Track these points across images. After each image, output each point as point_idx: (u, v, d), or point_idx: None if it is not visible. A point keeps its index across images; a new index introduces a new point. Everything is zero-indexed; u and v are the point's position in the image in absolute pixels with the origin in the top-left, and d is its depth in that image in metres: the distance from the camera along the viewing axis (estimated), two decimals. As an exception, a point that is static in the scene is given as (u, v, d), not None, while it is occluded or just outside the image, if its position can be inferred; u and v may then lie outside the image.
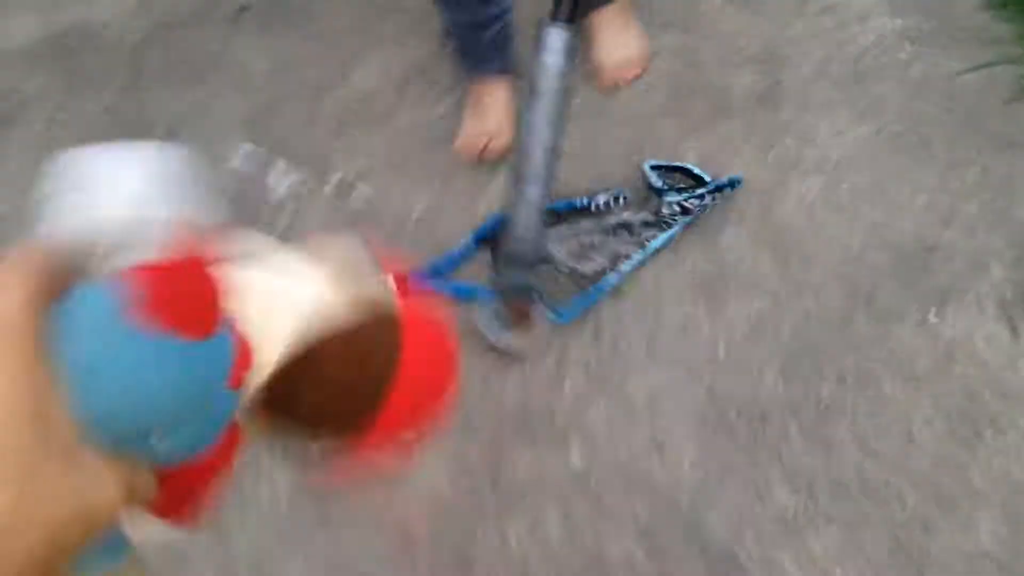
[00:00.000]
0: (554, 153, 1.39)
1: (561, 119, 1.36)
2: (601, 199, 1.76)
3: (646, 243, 1.70)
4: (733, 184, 1.76)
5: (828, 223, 1.77)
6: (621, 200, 1.76)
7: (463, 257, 1.77)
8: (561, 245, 1.72)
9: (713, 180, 1.76)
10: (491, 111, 1.91)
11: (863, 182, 1.82)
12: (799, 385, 1.60)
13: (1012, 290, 1.64)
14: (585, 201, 1.77)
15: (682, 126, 1.91)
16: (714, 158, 1.84)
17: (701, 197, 1.73)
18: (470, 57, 1.88)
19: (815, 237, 1.76)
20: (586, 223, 1.74)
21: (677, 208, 1.72)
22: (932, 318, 1.64)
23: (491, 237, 1.71)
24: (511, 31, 1.82)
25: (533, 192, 1.41)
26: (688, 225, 1.74)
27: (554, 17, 1.32)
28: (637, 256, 1.70)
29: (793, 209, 1.79)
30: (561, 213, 1.76)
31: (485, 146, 1.89)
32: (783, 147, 1.87)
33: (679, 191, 1.74)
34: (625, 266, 1.69)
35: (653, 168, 1.79)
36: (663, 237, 1.71)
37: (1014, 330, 1.61)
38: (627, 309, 1.70)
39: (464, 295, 1.69)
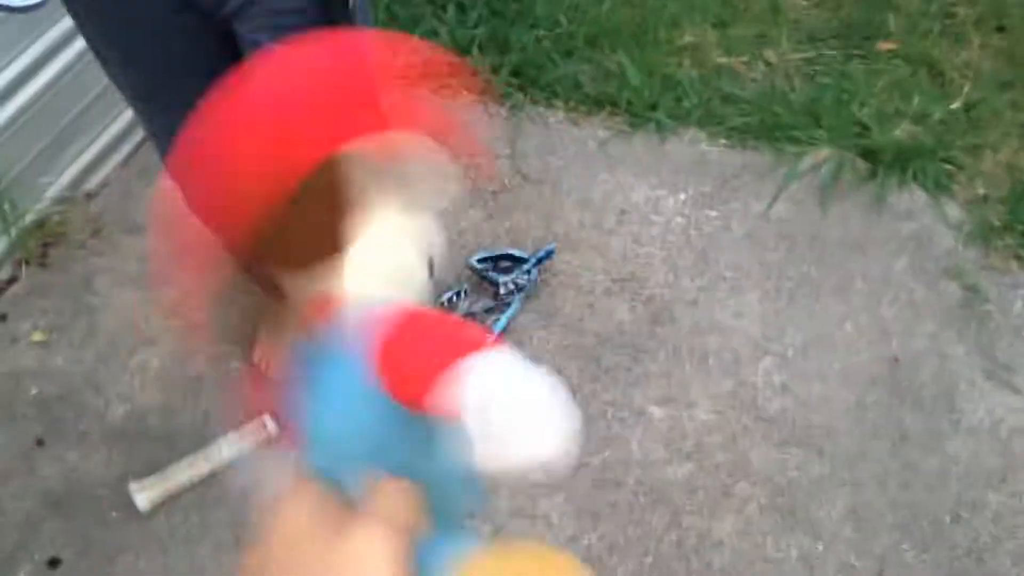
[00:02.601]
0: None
1: None
2: (444, 297, 1.98)
3: (492, 325, 1.93)
4: (550, 254, 2.03)
5: (810, 394, 1.80)
6: (463, 295, 1.99)
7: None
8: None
9: (532, 255, 2.02)
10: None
11: (801, 341, 1.88)
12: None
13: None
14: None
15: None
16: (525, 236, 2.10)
17: (528, 272, 1.99)
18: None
19: (807, 407, 1.77)
20: None
21: (512, 287, 1.97)
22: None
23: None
24: None
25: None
26: (526, 299, 1.99)
27: None
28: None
29: (767, 383, 1.79)
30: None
31: None
32: (711, 360, 1.87)
33: (507, 272, 1.99)
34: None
35: (480, 261, 2.02)
36: (505, 316, 1.95)
37: None
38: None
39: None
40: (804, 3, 2.58)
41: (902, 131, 2.24)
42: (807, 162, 2.21)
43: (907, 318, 1.93)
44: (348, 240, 0.65)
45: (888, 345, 1.89)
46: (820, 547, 1.62)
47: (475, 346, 0.57)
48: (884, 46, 2.47)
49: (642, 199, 2.15)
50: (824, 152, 2.22)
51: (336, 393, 0.63)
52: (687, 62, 2.47)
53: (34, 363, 1.94)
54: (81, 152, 2.22)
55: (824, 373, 1.85)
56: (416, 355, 0.59)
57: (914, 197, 2.14)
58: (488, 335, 0.61)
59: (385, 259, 0.68)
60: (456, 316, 1.93)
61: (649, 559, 1.62)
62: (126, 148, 2.33)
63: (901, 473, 1.70)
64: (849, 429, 1.77)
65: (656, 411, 1.81)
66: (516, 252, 2.03)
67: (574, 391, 1.85)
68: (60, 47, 2.08)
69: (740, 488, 1.70)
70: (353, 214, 0.64)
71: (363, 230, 0.65)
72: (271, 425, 1.76)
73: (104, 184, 2.27)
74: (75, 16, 1.38)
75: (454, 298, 1.98)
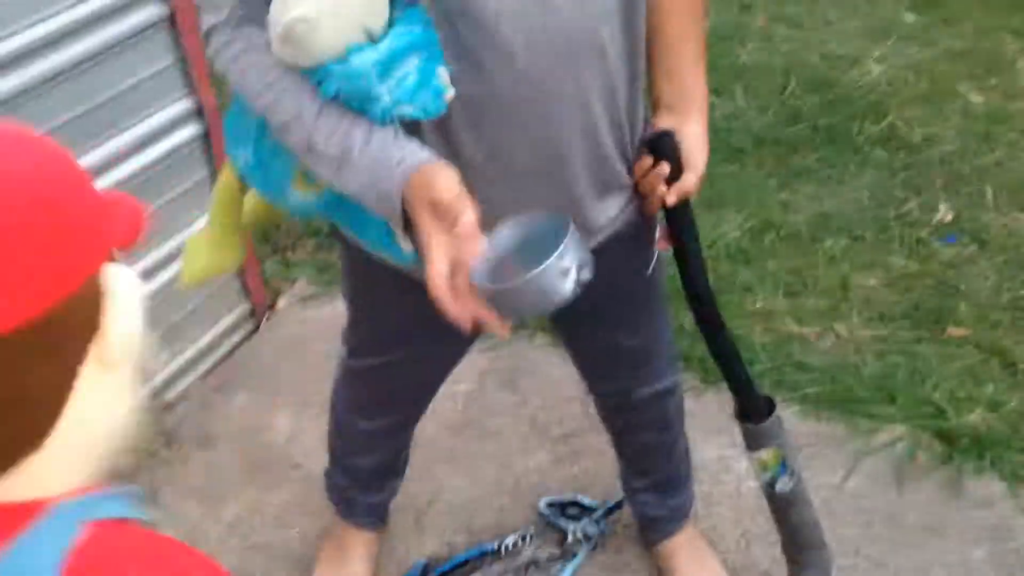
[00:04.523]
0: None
1: None
2: (509, 540, 1.96)
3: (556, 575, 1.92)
4: (619, 505, 1.98)
5: None
6: (528, 539, 1.97)
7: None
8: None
9: (601, 505, 2.00)
10: (352, 563, 1.88)
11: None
12: None
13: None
14: (494, 545, 1.96)
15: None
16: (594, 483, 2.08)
17: (596, 522, 1.97)
18: (345, 500, 1.87)
19: None
20: (496, 567, 1.94)
21: (580, 536, 1.95)
22: None
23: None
24: (398, 486, 1.91)
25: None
26: (592, 550, 1.96)
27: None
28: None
29: None
30: (472, 561, 1.94)
31: None
32: None
33: (575, 519, 1.98)
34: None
35: (548, 506, 2.02)
36: (571, 567, 1.92)
37: None
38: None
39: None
40: (873, 282, 2.66)
41: (977, 416, 2.23)
42: (881, 438, 2.20)
43: (990, 612, 1.85)
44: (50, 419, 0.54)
45: (971, 640, 1.79)
46: None
47: None
48: (954, 332, 2.51)
49: (712, 458, 2.13)
50: (898, 429, 2.22)
51: None
52: (758, 328, 2.53)
53: None
54: (164, 364, 2.29)
55: (904, 665, 1.75)
56: None
57: (992, 485, 2.10)
58: None
59: (99, 435, 0.59)
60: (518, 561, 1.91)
61: None
62: (210, 361, 2.40)
63: None
64: None
65: None
66: (585, 500, 2.01)
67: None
68: (156, 270, 2.18)
69: None
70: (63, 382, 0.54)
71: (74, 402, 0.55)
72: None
73: (183, 396, 2.32)
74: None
75: (519, 542, 1.95)
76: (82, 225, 0.53)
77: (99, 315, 0.55)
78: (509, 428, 2.26)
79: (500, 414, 2.30)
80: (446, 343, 1.55)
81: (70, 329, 0.53)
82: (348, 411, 1.74)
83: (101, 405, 0.57)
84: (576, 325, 1.61)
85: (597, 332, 1.57)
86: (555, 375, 2.36)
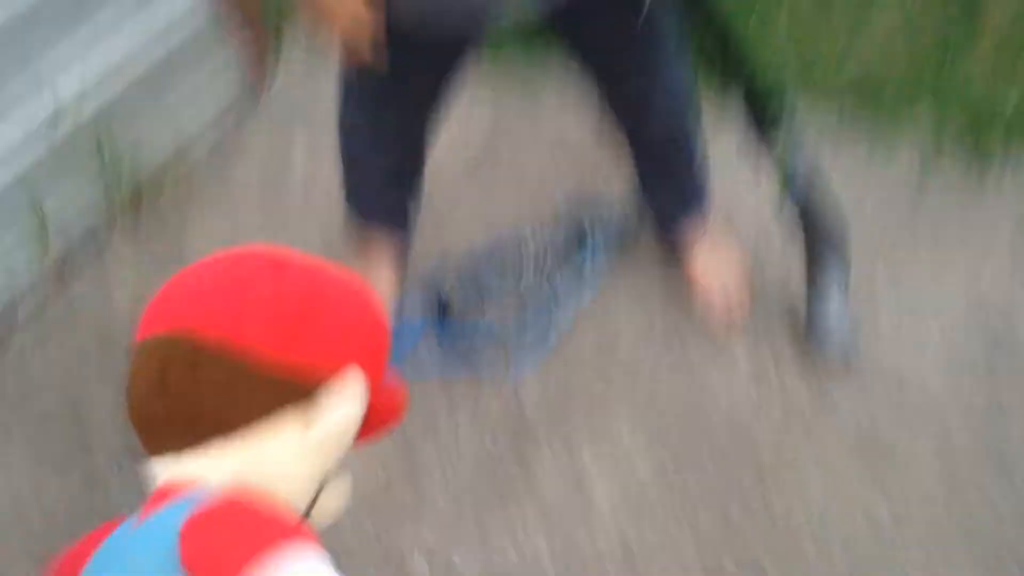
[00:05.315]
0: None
1: None
2: (527, 229, 2.00)
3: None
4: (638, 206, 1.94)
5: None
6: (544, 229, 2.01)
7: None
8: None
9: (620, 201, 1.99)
10: (377, 272, 1.83)
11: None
12: None
13: None
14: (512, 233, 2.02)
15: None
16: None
17: (613, 215, 1.98)
18: (364, 204, 1.82)
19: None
20: (516, 254, 1.98)
21: (598, 224, 1.96)
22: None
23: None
24: (419, 183, 1.83)
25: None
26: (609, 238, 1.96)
27: None
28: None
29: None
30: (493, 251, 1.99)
31: None
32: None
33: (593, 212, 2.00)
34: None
35: (567, 201, 2.03)
36: (589, 250, 1.94)
37: None
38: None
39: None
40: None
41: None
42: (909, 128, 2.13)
43: None
44: (234, 431, 0.68)
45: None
46: None
47: (282, 538, 0.58)
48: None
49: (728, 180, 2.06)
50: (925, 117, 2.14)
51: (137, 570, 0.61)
52: (781, 39, 2.38)
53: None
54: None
55: None
56: (222, 542, 0.59)
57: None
58: (299, 528, 0.62)
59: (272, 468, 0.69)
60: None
61: None
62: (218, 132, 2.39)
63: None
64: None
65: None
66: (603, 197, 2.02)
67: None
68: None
69: None
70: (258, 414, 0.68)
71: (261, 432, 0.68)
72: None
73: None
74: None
75: (535, 230, 2.01)
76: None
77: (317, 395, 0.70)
78: (527, 154, 2.24)
79: (518, 144, 2.26)
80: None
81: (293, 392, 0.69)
82: (355, 115, 1.72)
83: (281, 454, 0.69)
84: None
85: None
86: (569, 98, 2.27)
